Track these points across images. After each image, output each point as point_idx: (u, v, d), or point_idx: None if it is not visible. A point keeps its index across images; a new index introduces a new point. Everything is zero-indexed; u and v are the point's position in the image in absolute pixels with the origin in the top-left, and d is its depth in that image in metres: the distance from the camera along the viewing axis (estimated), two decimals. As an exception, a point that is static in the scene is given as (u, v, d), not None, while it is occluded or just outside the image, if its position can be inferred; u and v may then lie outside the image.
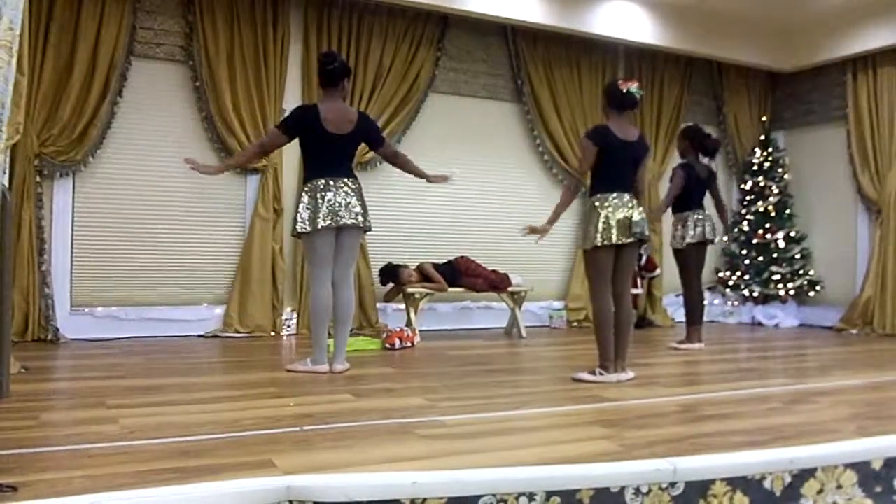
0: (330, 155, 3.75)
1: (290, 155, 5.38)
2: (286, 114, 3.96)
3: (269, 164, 5.44)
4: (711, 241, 5.19)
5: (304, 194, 3.73)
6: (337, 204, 3.68)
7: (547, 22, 6.12)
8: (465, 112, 6.35)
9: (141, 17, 5.18)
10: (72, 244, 5.04)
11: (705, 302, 5.47)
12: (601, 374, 3.72)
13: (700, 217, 5.14)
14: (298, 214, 3.71)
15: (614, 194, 3.74)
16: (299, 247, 5.43)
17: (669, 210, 5.30)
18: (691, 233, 5.11)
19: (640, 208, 3.79)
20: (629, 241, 3.72)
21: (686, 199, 5.14)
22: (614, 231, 3.68)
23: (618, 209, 3.71)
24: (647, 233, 3.76)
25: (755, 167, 7.45)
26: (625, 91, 3.75)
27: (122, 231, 5.18)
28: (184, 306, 5.33)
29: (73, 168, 4.97)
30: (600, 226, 3.68)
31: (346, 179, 3.75)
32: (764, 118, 7.63)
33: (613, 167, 3.76)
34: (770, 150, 7.45)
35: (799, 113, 7.54)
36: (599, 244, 3.68)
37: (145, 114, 5.25)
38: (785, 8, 6.58)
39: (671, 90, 7.10)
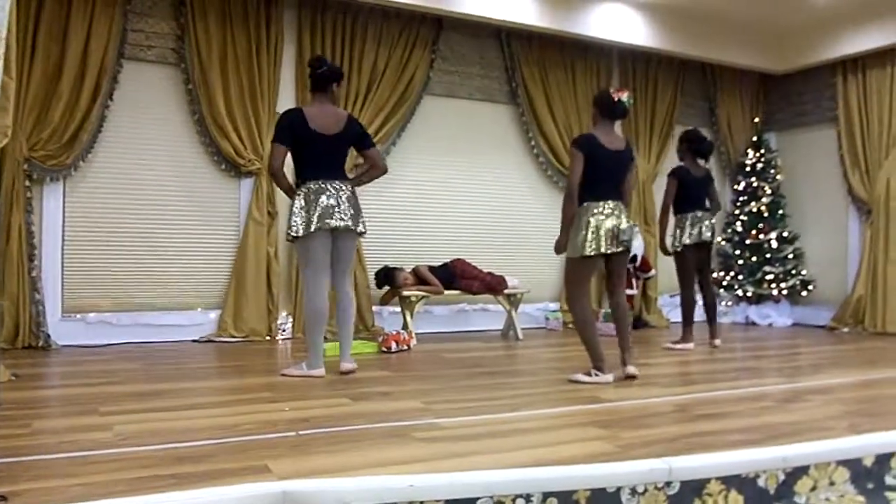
0: (321, 157, 3.73)
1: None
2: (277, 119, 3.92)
3: (262, 168, 5.42)
4: (710, 242, 5.21)
5: (297, 198, 3.72)
6: (330, 207, 3.67)
7: (541, 24, 6.13)
8: (460, 114, 6.34)
9: (132, 18, 5.16)
10: (62, 249, 5.00)
11: (699, 301, 5.45)
12: (596, 374, 3.72)
13: (697, 218, 5.16)
14: (292, 218, 3.70)
15: (602, 203, 3.74)
16: (294, 250, 5.42)
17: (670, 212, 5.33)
18: (688, 234, 5.14)
19: (626, 215, 3.80)
20: (618, 250, 3.74)
21: (684, 201, 5.17)
22: (603, 241, 3.69)
23: (607, 218, 3.71)
24: (634, 240, 3.77)
25: (748, 168, 7.49)
26: (616, 100, 3.77)
27: (114, 235, 5.15)
28: (178, 311, 5.30)
29: (64, 172, 4.94)
30: (589, 235, 3.69)
31: (338, 182, 3.74)
32: (756, 119, 7.67)
33: (600, 176, 3.75)
34: (762, 151, 7.49)
35: (790, 114, 7.58)
36: (588, 254, 3.69)
37: (137, 117, 5.23)
38: (776, 11, 6.62)
39: (664, 92, 7.12)
